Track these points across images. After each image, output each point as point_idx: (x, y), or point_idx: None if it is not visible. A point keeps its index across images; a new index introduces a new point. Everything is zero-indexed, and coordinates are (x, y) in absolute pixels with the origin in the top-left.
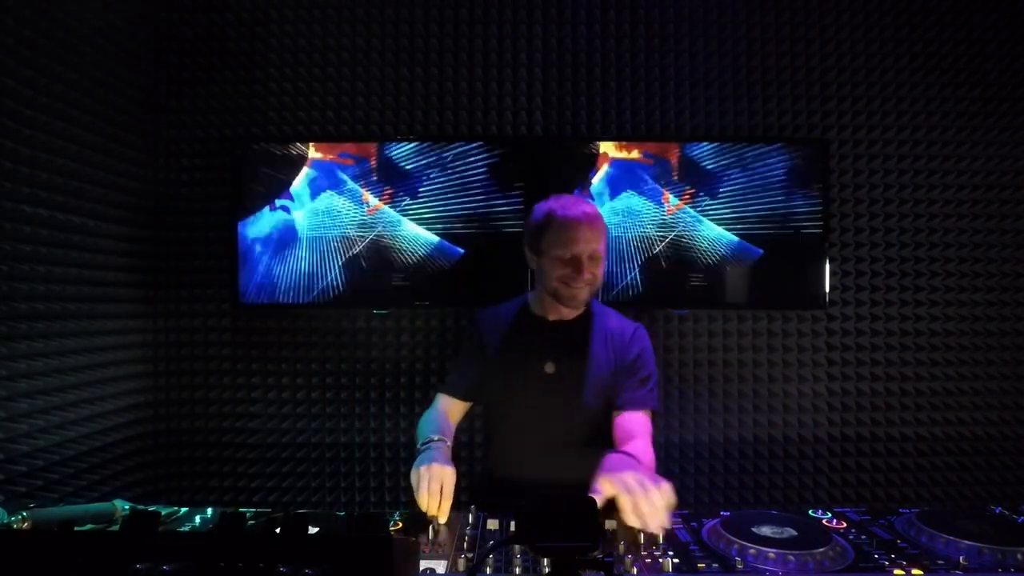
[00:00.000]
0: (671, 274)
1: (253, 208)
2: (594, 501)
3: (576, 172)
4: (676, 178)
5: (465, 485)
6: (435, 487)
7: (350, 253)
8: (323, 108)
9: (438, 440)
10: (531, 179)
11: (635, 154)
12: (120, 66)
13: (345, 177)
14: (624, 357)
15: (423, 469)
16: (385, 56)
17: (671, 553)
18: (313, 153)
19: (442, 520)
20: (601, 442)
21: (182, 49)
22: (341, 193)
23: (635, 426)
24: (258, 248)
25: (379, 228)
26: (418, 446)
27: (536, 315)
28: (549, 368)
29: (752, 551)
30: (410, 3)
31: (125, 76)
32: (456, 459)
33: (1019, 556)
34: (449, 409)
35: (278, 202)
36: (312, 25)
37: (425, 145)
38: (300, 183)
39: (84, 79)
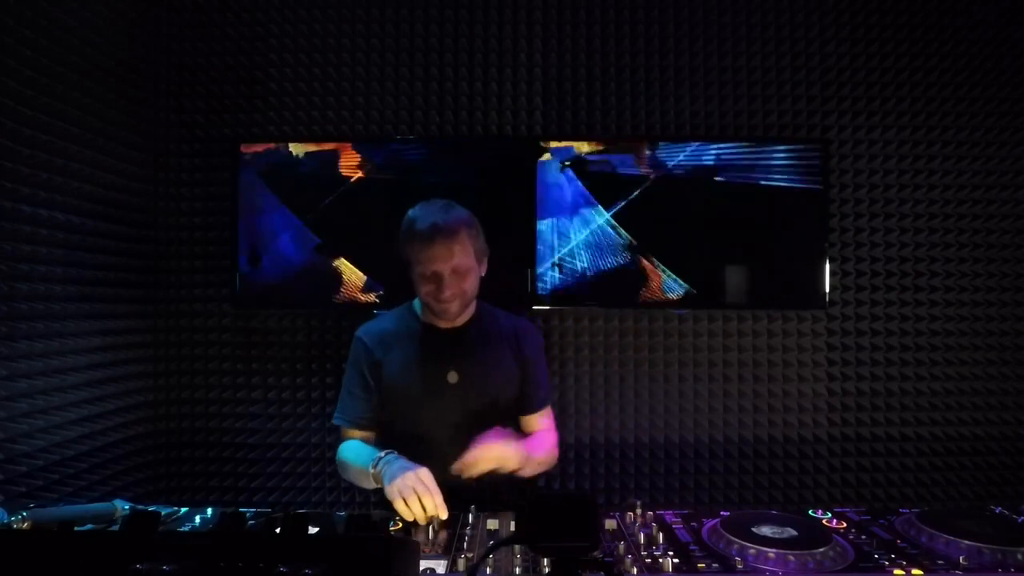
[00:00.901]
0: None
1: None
2: (594, 501)
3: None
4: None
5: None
6: (421, 488)
7: (351, 253)
8: (323, 108)
9: (386, 453)
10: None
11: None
12: (120, 66)
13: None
14: (527, 359)
15: (398, 481)
16: (385, 56)
17: (671, 553)
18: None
19: (443, 515)
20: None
21: (182, 49)
22: (342, 192)
23: (546, 424)
24: (258, 248)
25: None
26: (369, 470)
27: (426, 323)
28: (452, 378)
29: (752, 551)
30: (410, 3)
31: (125, 76)
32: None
33: (1019, 556)
34: (358, 435)
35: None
36: (312, 25)
37: (428, 143)
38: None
39: (84, 79)
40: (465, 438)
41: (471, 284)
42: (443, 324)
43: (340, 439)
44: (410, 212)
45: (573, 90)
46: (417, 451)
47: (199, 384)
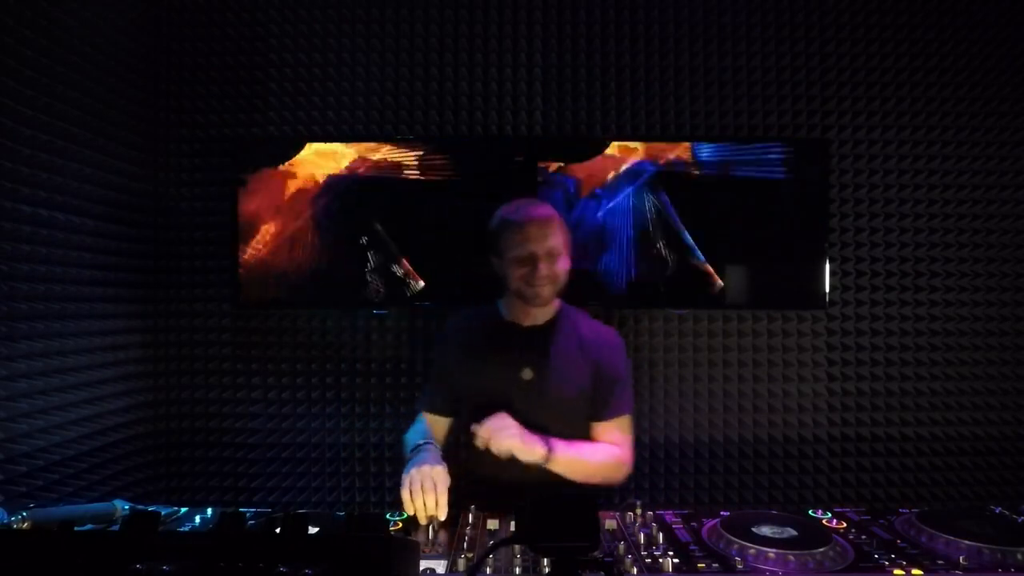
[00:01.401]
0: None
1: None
2: (594, 501)
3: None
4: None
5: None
6: (428, 485)
7: (351, 252)
8: (323, 108)
9: (424, 443)
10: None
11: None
12: (120, 66)
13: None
14: (609, 365)
15: (413, 471)
16: (385, 56)
17: (671, 553)
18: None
19: (441, 516)
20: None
21: (182, 49)
22: (343, 191)
23: (617, 437)
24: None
25: (381, 228)
26: (406, 455)
27: (508, 321)
28: (527, 375)
29: (752, 551)
30: (410, 3)
31: (125, 76)
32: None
33: (1019, 556)
34: (433, 425)
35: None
36: (312, 25)
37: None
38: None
39: (84, 79)
40: (536, 431)
41: (562, 271)
42: (525, 322)
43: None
44: (498, 211)
45: (573, 90)
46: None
47: (199, 384)
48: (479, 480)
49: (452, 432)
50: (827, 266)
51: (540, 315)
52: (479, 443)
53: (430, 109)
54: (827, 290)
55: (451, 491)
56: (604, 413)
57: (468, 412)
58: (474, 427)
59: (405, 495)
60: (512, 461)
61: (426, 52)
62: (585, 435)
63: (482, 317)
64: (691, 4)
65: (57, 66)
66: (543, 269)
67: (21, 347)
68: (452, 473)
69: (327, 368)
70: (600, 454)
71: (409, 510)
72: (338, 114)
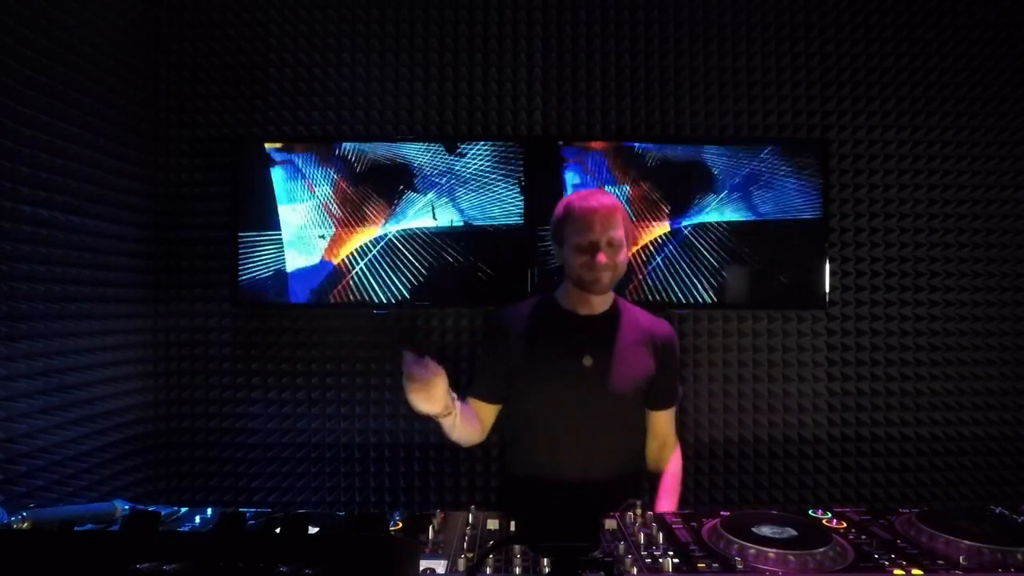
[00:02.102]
0: (673, 272)
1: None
2: (595, 501)
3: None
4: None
5: (480, 484)
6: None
7: (351, 253)
8: (323, 108)
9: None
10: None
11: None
12: (120, 66)
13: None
14: (667, 357)
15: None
16: (385, 56)
17: (671, 553)
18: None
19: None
20: (629, 433)
21: (182, 49)
22: (343, 191)
23: (669, 422)
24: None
25: (381, 227)
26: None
27: (566, 310)
28: (587, 362)
29: (752, 551)
30: (410, 3)
31: (125, 76)
32: (472, 459)
33: (1019, 556)
34: (479, 411)
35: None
36: (312, 25)
37: (430, 145)
38: (302, 181)
39: (84, 79)
40: (591, 422)
41: (622, 260)
42: (583, 311)
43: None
44: (565, 199)
45: (573, 90)
46: (541, 429)
47: (199, 384)
48: (524, 480)
49: (499, 419)
50: (827, 266)
51: (598, 305)
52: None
53: (430, 109)
54: (827, 290)
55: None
56: (664, 402)
57: (524, 399)
58: (408, 362)
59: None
60: (572, 455)
61: (426, 52)
62: (638, 423)
63: (539, 305)
64: (691, 4)
65: (57, 66)
66: (603, 257)
67: (21, 347)
68: (478, 473)
69: (327, 368)
70: (675, 481)
71: (409, 395)
72: (338, 114)
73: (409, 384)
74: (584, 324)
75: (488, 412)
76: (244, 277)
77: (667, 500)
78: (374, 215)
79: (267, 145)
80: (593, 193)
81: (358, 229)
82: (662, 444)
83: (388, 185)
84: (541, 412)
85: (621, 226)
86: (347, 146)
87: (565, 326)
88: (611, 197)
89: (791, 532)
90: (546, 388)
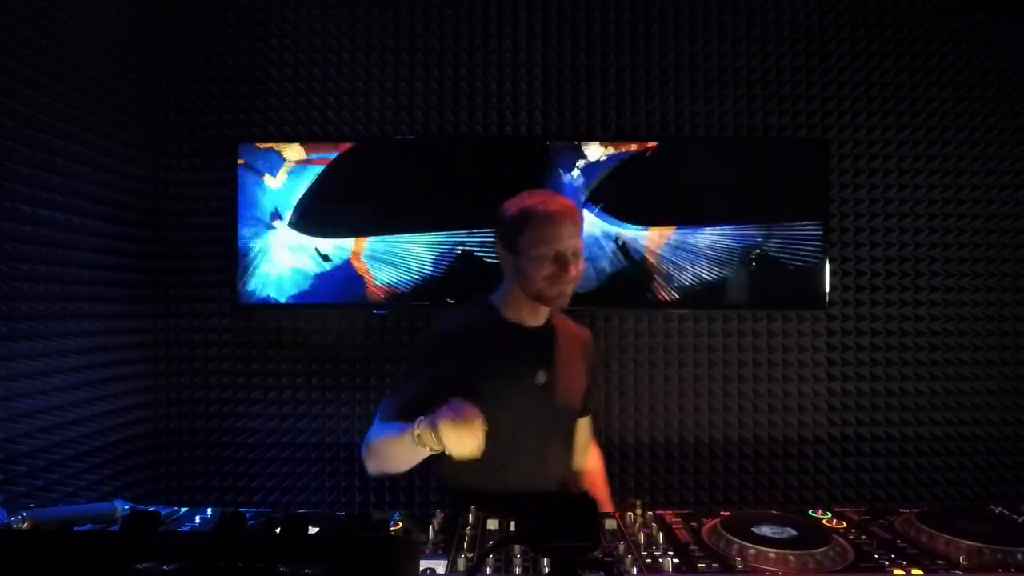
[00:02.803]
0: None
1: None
2: (594, 501)
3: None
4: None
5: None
6: (469, 412)
7: (351, 253)
8: (323, 108)
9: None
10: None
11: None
12: (120, 66)
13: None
14: (592, 361)
15: (445, 410)
16: (385, 56)
17: (671, 553)
18: (312, 152)
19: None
20: (570, 445)
21: (182, 49)
22: (343, 192)
23: (590, 425)
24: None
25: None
26: (414, 428)
27: (513, 322)
28: (541, 379)
29: (752, 551)
30: (410, 3)
31: (125, 76)
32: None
33: (1019, 556)
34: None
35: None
36: (312, 25)
37: (426, 143)
38: (301, 182)
39: (84, 79)
40: (542, 438)
41: (581, 271)
42: (530, 323)
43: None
44: (513, 201)
45: (573, 90)
46: (490, 448)
47: (199, 384)
48: (456, 494)
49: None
50: (827, 266)
51: (543, 315)
52: (434, 441)
53: (430, 109)
54: (827, 290)
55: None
56: (588, 407)
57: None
58: (440, 418)
59: (446, 430)
60: (498, 480)
61: (426, 52)
62: (573, 433)
63: (480, 318)
64: (691, 4)
65: (57, 66)
66: (573, 270)
67: (21, 347)
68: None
69: (327, 368)
70: (602, 471)
71: (455, 445)
72: (338, 114)
73: (456, 429)
74: (534, 338)
75: None
76: (244, 277)
77: (604, 496)
78: (373, 215)
79: (267, 145)
80: (553, 195)
81: (358, 229)
82: (586, 447)
83: (388, 184)
84: (492, 432)
85: (580, 230)
86: (347, 146)
87: (516, 341)
88: (568, 199)
89: (791, 532)
90: (499, 407)
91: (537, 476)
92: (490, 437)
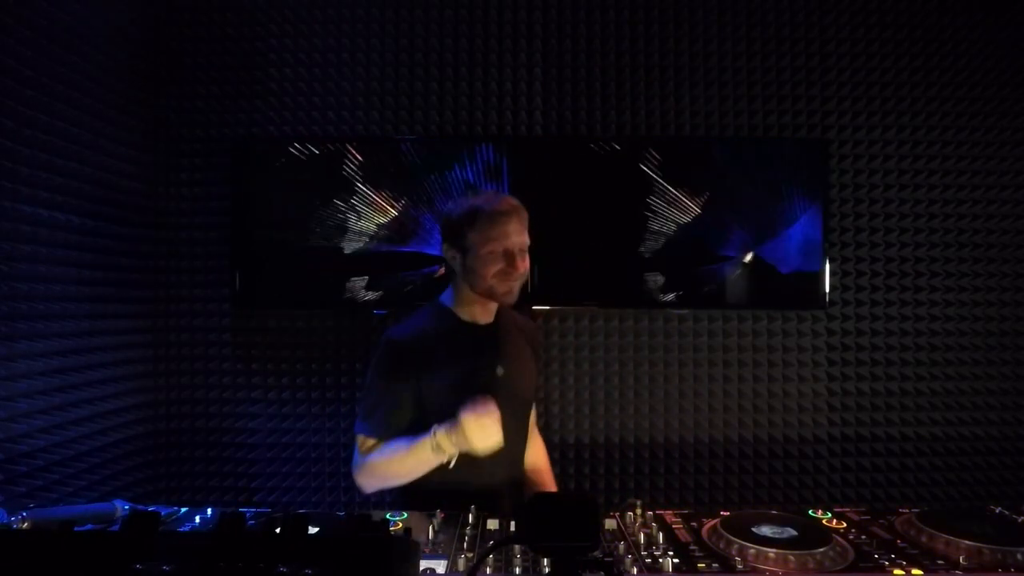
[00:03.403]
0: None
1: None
2: (595, 501)
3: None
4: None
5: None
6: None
7: (351, 253)
8: (323, 108)
9: (434, 428)
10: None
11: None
12: (120, 66)
13: (348, 176)
14: (537, 351)
15: (471, 409)
16: (385, 56)
17: (671, 553)
18: (314, 151)
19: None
20: (524, 435)
21: (182, 49)
22: (343, 192)
23: (534, 413)
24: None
25: (380, 227)
26: (432, 436)
27: (468, 322)
28: (500, 371)
29: (752, 551)
30: (410, 3)
31: (125, 76)
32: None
33: (1019, 556)
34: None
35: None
36: (312, 25)
37: (428, 145)
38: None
39: (84, 79)
40: (508, 428)
41: (528, 267)
42: (482, 320)
43: (360, 450)
44: (459, 201)
45: (573, 90)
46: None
47: (199, 384)
48: (417, 490)
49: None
50: (827, 266)
51: (492, 312)
52: (453, 445)
53: (430, 109)
54: (827, 290)
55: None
56: (534, 396)
57: (438, 418)
58: (463, 416)
59: (472, 428)
60: (489, 464)
61: (426, 52)
62: (527, 420)
63: (436, 321)
64: (691, 4)
65: (57, 66)
66: (521, 265)
67: (21, 347)
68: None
69: (327, 368)
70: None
71: (483, 442)
72: (338, 114)
73: (481, 427)
74: (488, 334)
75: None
76: (244, 277)
77: (549, 475)
78: (374, 214)
79: (266, 145)
80: (498, 195)
81: (357, 229)
82: (533, 435)
83: (387, 185)
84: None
85: (526, 228)
86: (346, 146)
87: (473, 339)
88: (514, 198)
89: (791, 532)
90: (464, 401)
91: (499, 467)
92: None
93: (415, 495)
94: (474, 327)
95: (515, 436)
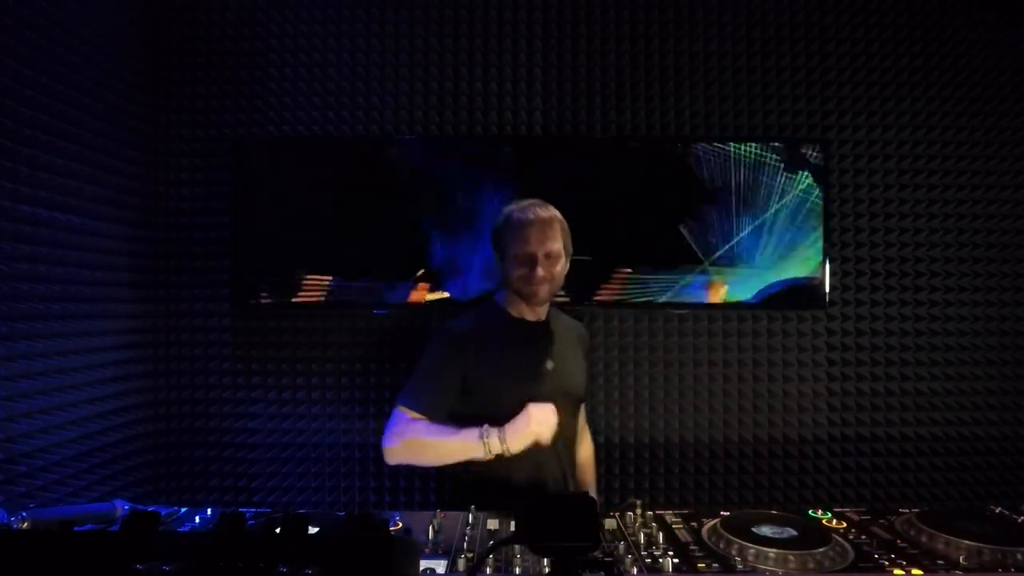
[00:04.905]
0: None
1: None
2: (594, 501)
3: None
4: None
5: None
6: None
7: (350, 253)
8: (323, 108)
9: (486, 427)
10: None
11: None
12: (120, 66)
13: (348, 176)
14: (586, 354)
15: (534, 412)
16: (385, 56)
17: (671, 553)
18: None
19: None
20: (574, 432)
21: (182, 49)
22: (343, 192)
23: (584, 412)
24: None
25: (380, 227)
26: (482, 438)
27: (517, 318)
28: (549, 365)
29: (752, 551)
30: (410, 3)
31: (125, 76)
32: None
33: (1019, 556)
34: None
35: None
36: (312, 25)
37: (428, 144)
38: (300, 182)
39: (84, 79)
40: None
41: (559, 273)
42: (531, 317)
43: (396, 424)
44: (506, 208)
45: (573, 90)
46: None
47: (199, 384)
48: (486, 481)
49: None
50: (827, 266)
51: (542, 311)
52: (533, 434)
53: (430, 109)
54: (827, 290)
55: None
56: (584, 396)
57: (486, 407)
58: (532, 409)
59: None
60: (538, 458)
61: (426, 52)
62: (577, 416)
63: (490, 314)
64: (691, 4)
65: (57, 66)
66: (540, 271)
67: (21, 347)
68: (447, 476)
69: (327, 368)
70: (592, 456)
71: (539, 422)
72: (338, 114)
73: (546, 422)
74: (538, 330)
75: None
76: (244, 277)
77: (591, 478)
78: (373, 214)
79: (266, 145)
80: (532, 204)
81: (357, 229)
82: (583, 433)
83: (387, 184)
84: (506, 417)
85: (559, 238)
86: (346, 146)
87: (523, 333)
88: (550, 208)
89: (791, 532)
90: (512, 394)
91: (552, 458)
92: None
93: (464, 486)
94: (524, 323)
95: (564, 430)
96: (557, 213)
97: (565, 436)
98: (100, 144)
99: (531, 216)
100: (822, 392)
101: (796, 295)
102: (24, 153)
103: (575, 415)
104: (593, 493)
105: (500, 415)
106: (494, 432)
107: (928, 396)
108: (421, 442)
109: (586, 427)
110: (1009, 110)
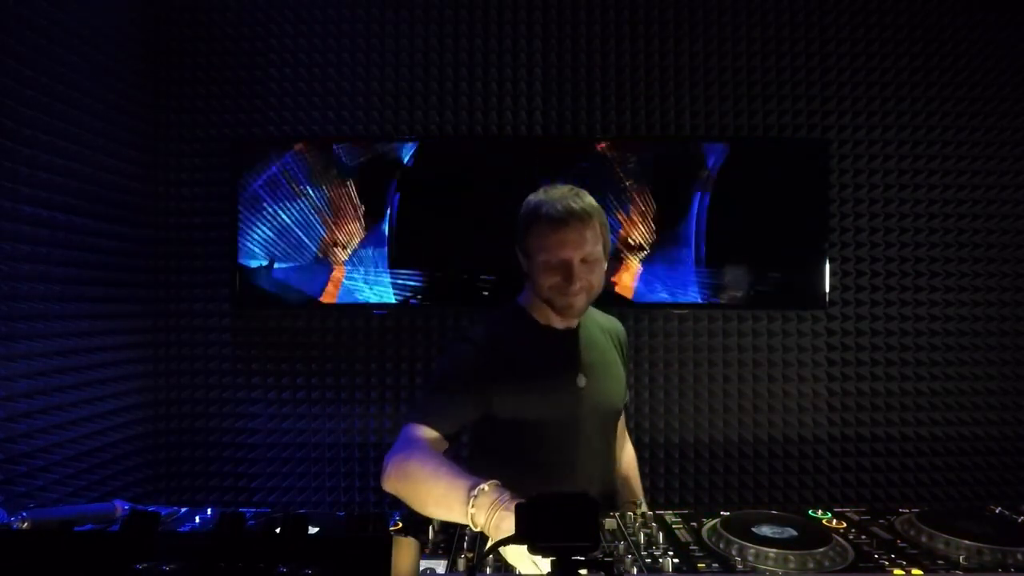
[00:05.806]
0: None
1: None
2: (594, 501)
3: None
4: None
5: None
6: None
7: (350, 253)
8: (323, 108)
9: (486, 483)
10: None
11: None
12: (120, 66)
13: (349, 177)
14: (624, 355)
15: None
16: (385, 56)
17: (671, 553)
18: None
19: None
20: (612, 446)
21: (182, 49)
22: (343, 192)
23: (623, 416)
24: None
25: (379, 227)
26: (468, 506)
27: (544, 325)
28: (581, 382)
29: (752, 551)
30: (410, 3)
31: (125, 76)
32: None
33: (1019, 556)
34: (434, 446)
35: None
36: (312, 25)
37: (427, 144)
38: (300, 181)
39: (84, 79)
40: (584, 445)
41: (598, 278)
42: (560, 325)
43: (404, 437)
44: (531, 197)
45: (573, 90)
46: (530, 456)
47: (199, 384)
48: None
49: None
50: (827, 266)
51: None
52: (484, 525)
53: (430, 109)
54: (827, 290)
55: None
56: (624, 400)
57: (508, 425)
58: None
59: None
60: (538, 487)
61: (426, 52)
62: (614, 431)
63: (514, 321)
64: (691, 4)
65: (57, 66)
66: (578, 279)
67: (21, 347)
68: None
69: (327, 368)
70: (634, 459)
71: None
72: (338, 114)
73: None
74: (568, 339)
75: (439, 448)
76: (244, 277)
77: (637, 483)
78: (373, 214)
79: (266, 145)
80: (566, 195)
81: (357, 228)
82: (623, 438)
83: (387, 186)
84: (531, 439)
85: (598, 238)
86: (346, 145)
87: (551, 344)
88: (588, 200)
89: (791, 532)
90: (539, 414)
91: (581, 482)
92: (528, 443)
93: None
94: (551, 331)
95: (599, 449)
96: (594, 202)
97: (596, 455)
98: (100, 144)
99: (565, 213)
100: (822, 392)
101: (796, 295)
102: (24, 153)
103: (611, 431)
104: (644, 506)
105: (530, 436)
106: (488, 496)
107: (928, 396)
108: (413, 471)
109: (626, 434)
110: (1009, 110)
